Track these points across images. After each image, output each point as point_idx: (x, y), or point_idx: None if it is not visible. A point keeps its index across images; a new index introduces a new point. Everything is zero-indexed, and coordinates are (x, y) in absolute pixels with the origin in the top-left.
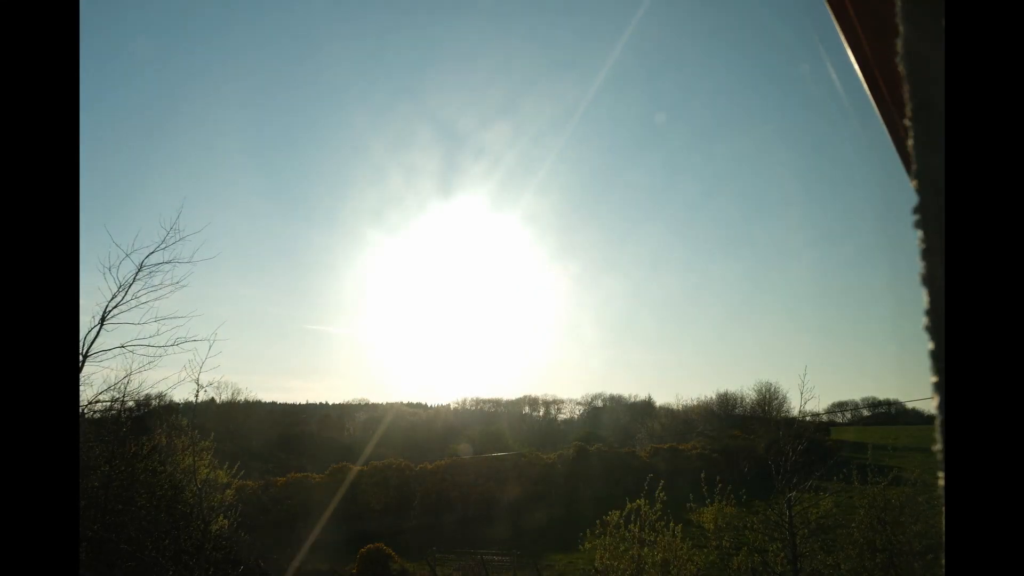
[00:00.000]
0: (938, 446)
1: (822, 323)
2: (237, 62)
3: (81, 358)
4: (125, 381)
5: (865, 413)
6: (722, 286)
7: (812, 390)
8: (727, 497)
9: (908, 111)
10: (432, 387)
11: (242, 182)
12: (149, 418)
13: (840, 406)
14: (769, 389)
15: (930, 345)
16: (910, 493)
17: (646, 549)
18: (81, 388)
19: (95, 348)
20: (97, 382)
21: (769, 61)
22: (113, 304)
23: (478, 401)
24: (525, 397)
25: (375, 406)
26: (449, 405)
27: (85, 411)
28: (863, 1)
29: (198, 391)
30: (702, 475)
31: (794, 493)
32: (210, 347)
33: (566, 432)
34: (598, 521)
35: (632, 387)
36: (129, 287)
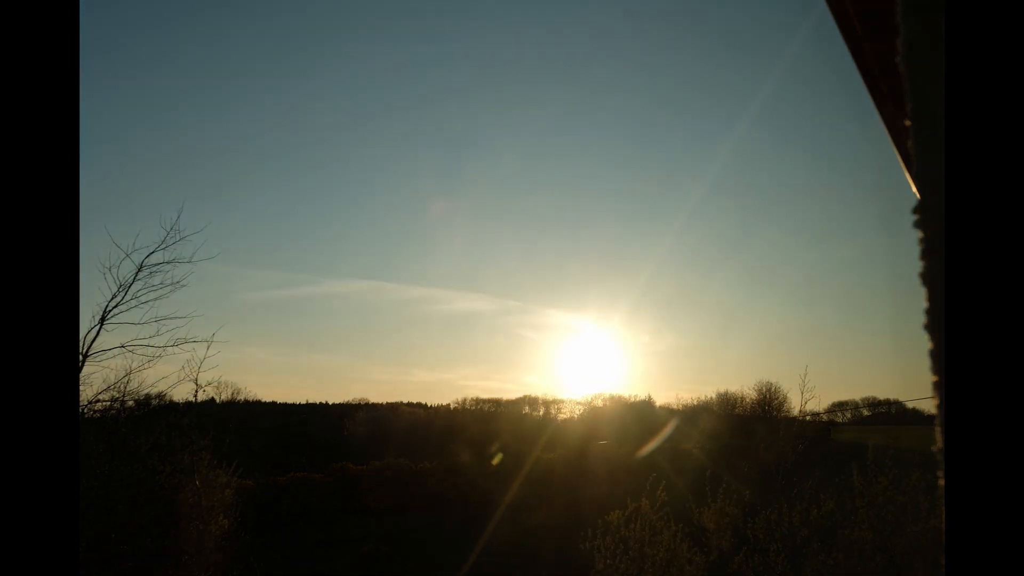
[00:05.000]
0: (938, 446)
1: (822, 323)
2: (238, 61)
3: (81, 358)
4: (125, 381)
5: (865, 413)
6: (722, 286)
7: (812, 390)
8: (728, 497)
9: (908, 111)
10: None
11: (242, 182)
12: (149, 418)
13: (840, 406)
14: (769, 389)
15: (930, 345)
16: (911, 493)
17: (647, 549)
18: (81, 388)
19: (95, 348)
20: (97, 382)
21: (768, 60)
22: (113, 304)
23: (478, 401)
24: (525, 397)
25: (375, 406)
26: (449, 405)
27: (85, 411)
28: (863, 1)
29: (197, 391)
30: (708, 473)
31: (795, 492)
32: (208, 347)
33: (566, 432)
34: (600, 521)
35: (632, 387)
36: (129, 287)
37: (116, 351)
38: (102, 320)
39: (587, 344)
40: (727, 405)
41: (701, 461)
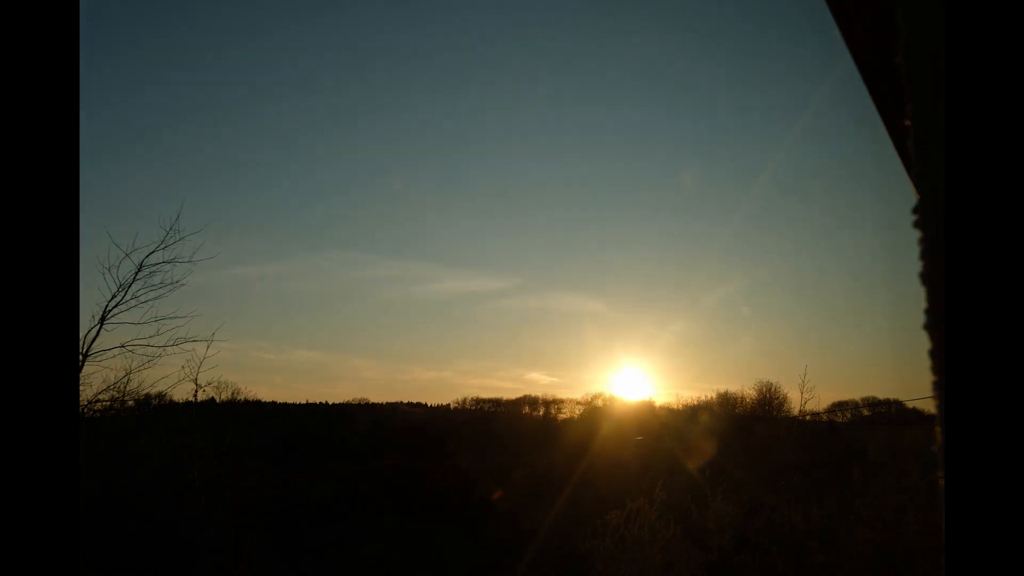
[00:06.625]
0: (938, 446)
1: (822, 323)
2: (240, 58)
3: (81, 358)
4: (125, 381)
5: (865, 413)
6: (721, 286)
7: (812, 390)
8: (728, 497)
9: (908, 111)
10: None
11: (244, 181)
12: (149, 418)
13: (840, 406)
14: (769, 388)
15: (930, 345)
16: (911, 493)
17: (647, 549)
18: (81, 388)
19: (95, 348)
20: (97, 382)
21: (768, 59)
22: (113, 304)
23: (478, 400)
24: (525, 397)
25: (375, 406)
26: (449, 405)
27: (85, 411)
28: (863, 1)
29: (196, 391)
30: (707, 473)
31: (795, 491)
32: (208, 347)
33: (566, 432)
34: (599, 521)
35: (632, 386)
36: (129, 287)
37: (116, 351)
38: (102, 320)
39: (590, 337)
40: (727, 405)
41: (702, 460)
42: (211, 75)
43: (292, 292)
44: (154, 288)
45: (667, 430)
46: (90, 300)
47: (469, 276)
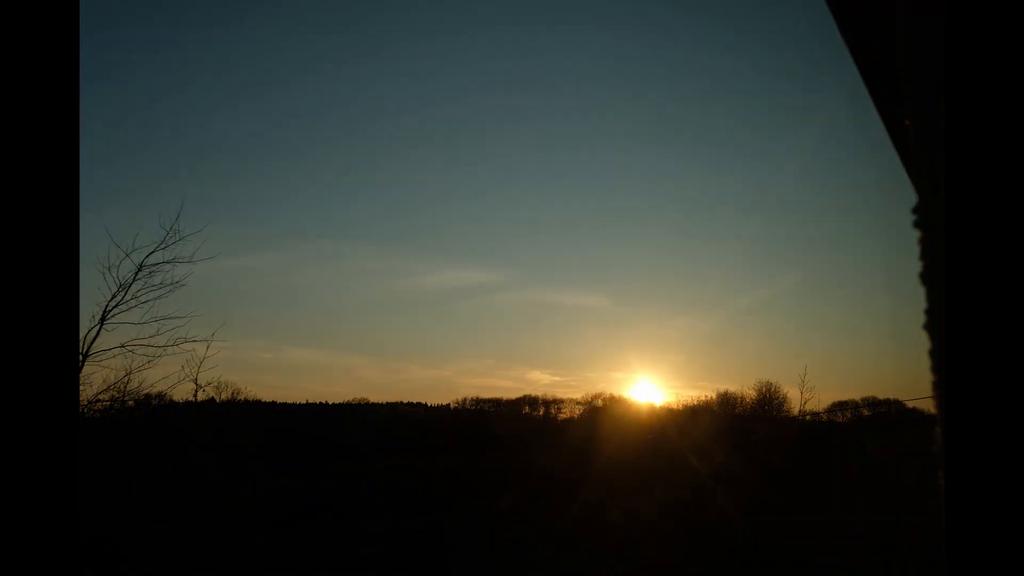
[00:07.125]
0: (938, 446)
1: (822, 323)
2: (241, 57)
3: (81, 358)
4: (125, 381)
5: (865, 413)
6: (722, 286)
7: (812, 390)
8: (728, 496)
9: (908, 111)
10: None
11: (244, 181)
12: (149, 418)
13: (840, 406)
14: (769, 388)
15: (930, 345)
16: (911, 493)
17: (647, 548)
18: (81, 388)
19: (95, 348)
20: (97, 382)
21: (767, 59)
22: (113, 304)
23: (478, 400)
24: (525, 397)
25: (375, 406)
26: (449, 405)
27: (85, 411)
28: (863, 1)
29: (196, 391)
30: (707, 472)
31: (795, 491)
32: (208, 347)
33: (566, 432)
34: (600, 521)
35: (633, 386)
36: (129, 287)
37: (116, 351)
38: (102, 320)
39: (592, 334)
40: (727, 405)
41: (702, 460)
42: (211, 73)
43: (287, 287)
44: (154, 288)
45: (667, 430)
46: (90, 300)
47: (467, 269)
